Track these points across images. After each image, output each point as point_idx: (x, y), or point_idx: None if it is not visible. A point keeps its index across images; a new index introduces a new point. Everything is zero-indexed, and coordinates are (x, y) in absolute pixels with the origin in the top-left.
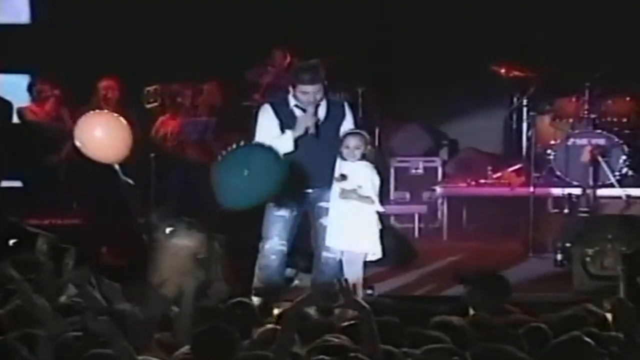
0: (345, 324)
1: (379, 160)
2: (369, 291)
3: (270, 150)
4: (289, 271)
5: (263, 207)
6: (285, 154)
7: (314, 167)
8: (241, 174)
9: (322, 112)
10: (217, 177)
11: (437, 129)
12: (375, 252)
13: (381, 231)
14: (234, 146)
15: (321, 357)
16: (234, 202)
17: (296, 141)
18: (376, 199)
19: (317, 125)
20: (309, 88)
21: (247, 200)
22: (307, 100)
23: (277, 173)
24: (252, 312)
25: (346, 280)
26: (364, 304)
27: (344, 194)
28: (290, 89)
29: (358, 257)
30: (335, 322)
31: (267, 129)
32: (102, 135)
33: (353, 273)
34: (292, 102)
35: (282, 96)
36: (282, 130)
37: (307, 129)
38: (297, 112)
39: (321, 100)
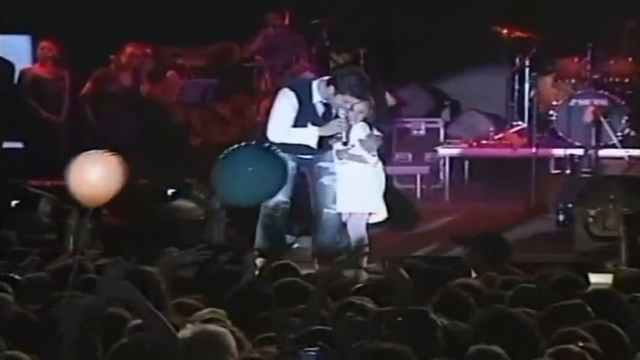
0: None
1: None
2: None
3: (273, 151)
4: (287, 238)
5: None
6: None
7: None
8: (245, 171)
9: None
10: (220, 173)
11: (439, 90)
12: (378, 212)
13: (384, 192)
14: (237, 145)
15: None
16: (236, 199)
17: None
18: (371, 158)
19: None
20: (354, 101)
21: (249, 198)
22: (340, 106)
23: (280, 173)
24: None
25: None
26: (405, 274)
27: (339, 154)
28: (320, 81)
29: (361, 218)
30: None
31: (286, 116)
32: (97, 179)
33: (356, 235)
34: (317, 96)
35: (304, 83)
36: (297, 119)
37: (336, 134)
38: (319, 108)
39: None
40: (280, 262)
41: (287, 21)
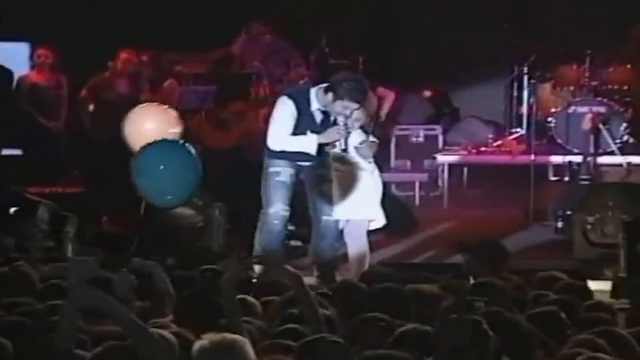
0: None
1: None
2: None
3: (185, 147)
4: (293, 243)
5: (260, 174)
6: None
7: None
8: (157, 169)
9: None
10: (135, 172)
11: (438, 97)
12: (377, 218)
13: (382, 199)
14: (150, 142)
15: (286, 326)
16: (152, 199)
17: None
18: (368, 164)
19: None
20: (353, 107)
21: (164, 198)
22: (339, 113)
23: (194, 170)
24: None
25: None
26: (292, 270)
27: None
28: (318, 89)
29: (361, 225)
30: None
31: (285, 124)
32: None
33: (356, 242)
34: (315, 103)
35: (302, 91)
36: (296, 127)
37: (335, 141)
38: (317, 115)
39: None
40: None
41: (275, 29)
